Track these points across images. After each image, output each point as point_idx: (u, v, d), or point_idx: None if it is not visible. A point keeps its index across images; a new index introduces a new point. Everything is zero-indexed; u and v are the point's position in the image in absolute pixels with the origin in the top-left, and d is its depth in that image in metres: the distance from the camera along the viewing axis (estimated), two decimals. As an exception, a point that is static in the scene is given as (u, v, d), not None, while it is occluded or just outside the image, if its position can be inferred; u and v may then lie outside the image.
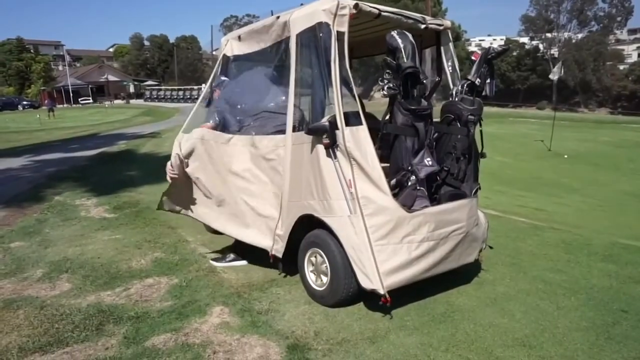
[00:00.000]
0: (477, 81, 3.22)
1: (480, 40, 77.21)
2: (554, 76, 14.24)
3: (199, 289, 3.22)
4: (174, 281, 3.37)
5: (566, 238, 4.54)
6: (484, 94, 3.26)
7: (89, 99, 54.63)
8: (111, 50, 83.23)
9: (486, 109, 3.48)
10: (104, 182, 7.37)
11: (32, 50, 58.88)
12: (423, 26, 3.20)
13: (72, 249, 4.10)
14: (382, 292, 2.58)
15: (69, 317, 2.81)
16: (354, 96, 2.78)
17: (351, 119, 2.72)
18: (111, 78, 60.82)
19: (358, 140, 2.68)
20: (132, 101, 53.55)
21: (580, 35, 51.18)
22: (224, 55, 3.80)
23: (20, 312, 2.90)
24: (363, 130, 2.69)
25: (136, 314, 2.84)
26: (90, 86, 57.15)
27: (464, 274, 3.33)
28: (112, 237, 4.47)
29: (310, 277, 3.06)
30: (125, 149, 12.41)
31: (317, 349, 2.46)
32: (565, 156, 13.08)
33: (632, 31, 63.28)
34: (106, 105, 40.72)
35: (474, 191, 3.23)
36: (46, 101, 35.57)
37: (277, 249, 3.19)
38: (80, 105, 50.18)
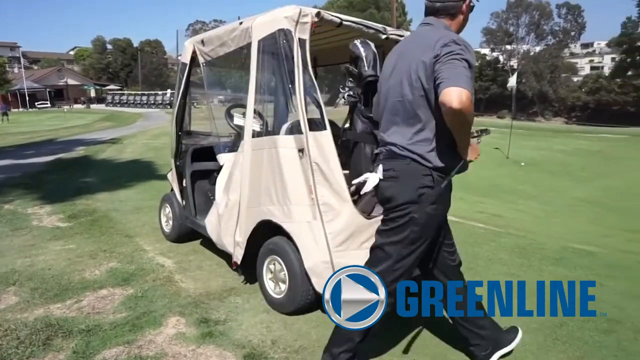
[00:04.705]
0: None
1: (444, 51, 79.35)
2: (510, 84, 14.90)
3: (155, 300, 3.12)
4: (129, 292, 3.25)
5: (521, 243, 4.70)
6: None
7: (47, 103, 52.38)
8: (72, 53, 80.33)
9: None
10: (59, 189, 7.05)
11: (-16, 52, 56.12)
12: (384, 36, 3.25)
13: (20, 260, 3.89)
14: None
15: (14, 333, 2.66)
16: (317, 102, 2.79)
17: (315, 125, 2.73)
18: (71, 82, 58.71)
19: (321, 145, 2.68)
20: (93, 106, 51.73)
21: (537, 48, 53.83)
22: (192, 59, 3.77)
23: (-40, 328, 2.73)
24: (326, 136, 2.69)
25: (87, 327, 2.72)
26: (48, 90, 54.86)
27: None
28: (65, 247, 4.27)
29: (269, 285, 3.03)
30: (83, 155, 11.95)
31: (273, 357, 2.43)
32: (522, 164, 13.60)
33: (584, 45, 67.02)
34: (65, 110, 39.08)
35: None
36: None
37: (236, 255, 3.15)
38: (37, 110, 48.11)
